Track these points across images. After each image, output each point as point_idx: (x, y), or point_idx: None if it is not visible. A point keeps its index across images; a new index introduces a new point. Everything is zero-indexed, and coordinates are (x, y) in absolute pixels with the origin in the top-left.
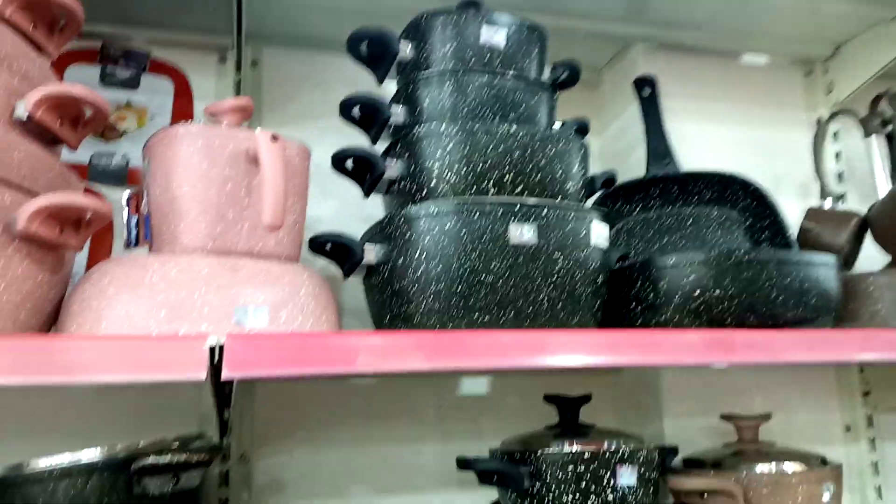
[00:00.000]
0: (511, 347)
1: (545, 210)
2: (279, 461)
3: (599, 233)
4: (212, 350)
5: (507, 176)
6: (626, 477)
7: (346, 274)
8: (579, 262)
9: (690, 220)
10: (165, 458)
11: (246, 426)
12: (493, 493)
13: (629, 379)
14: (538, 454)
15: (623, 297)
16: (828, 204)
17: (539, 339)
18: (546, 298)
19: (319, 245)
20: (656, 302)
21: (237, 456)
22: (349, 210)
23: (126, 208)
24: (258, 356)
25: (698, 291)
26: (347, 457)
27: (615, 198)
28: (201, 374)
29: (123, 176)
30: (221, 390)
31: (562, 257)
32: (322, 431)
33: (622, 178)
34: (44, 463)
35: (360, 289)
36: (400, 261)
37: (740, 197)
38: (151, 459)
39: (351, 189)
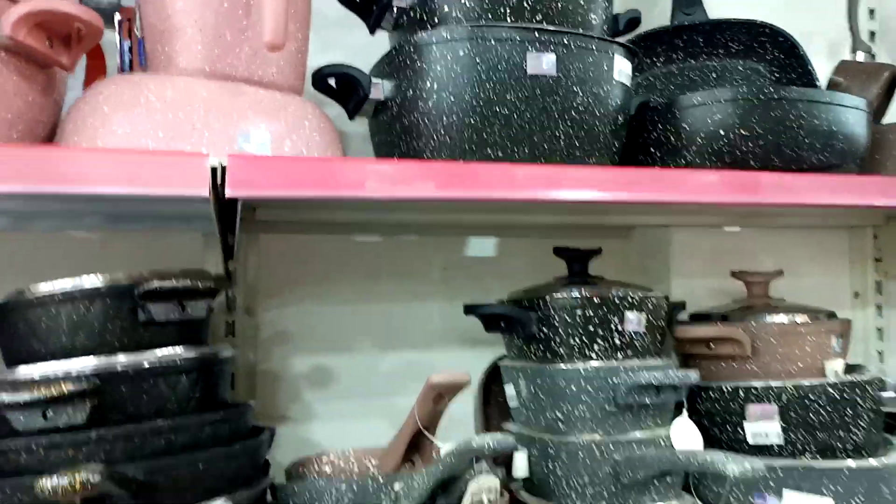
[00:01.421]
0: (524, 180)
1: (565, 39)
2: (284, 314)
3: (622, 68)
4: (213, 171)
5: (526, 2)
6: (634, 323)
7: (352, 113)
8: (600, 98)
9: (715, 74)
10: (170, 283)
11: (251, 278)
12: (497, 351)
13: (639, 239)
14: (546, 299)
15: (641, 143)
16: (859, 58)
17: (553, 173)
18: (563, 135)
19: (323, 80)
20: (678, 145)
21: (243, 308)
22: (354, 60)
23: (118, 35)
24: (262, 176)
25: (723, 131)
26: (352, 312)
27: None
28: (203, 190)
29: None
30: (225, 237)
31: (581, 91)
32: (327, 287)
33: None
34: (45, 287)
35: (365, 140)
36: (409, 93)
37: (768, 49)
38: (156, 283)
39: (355, 38)
